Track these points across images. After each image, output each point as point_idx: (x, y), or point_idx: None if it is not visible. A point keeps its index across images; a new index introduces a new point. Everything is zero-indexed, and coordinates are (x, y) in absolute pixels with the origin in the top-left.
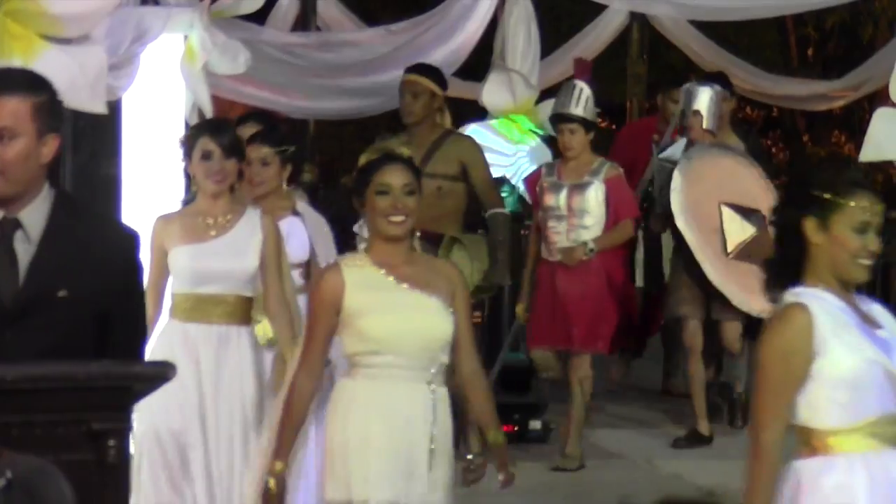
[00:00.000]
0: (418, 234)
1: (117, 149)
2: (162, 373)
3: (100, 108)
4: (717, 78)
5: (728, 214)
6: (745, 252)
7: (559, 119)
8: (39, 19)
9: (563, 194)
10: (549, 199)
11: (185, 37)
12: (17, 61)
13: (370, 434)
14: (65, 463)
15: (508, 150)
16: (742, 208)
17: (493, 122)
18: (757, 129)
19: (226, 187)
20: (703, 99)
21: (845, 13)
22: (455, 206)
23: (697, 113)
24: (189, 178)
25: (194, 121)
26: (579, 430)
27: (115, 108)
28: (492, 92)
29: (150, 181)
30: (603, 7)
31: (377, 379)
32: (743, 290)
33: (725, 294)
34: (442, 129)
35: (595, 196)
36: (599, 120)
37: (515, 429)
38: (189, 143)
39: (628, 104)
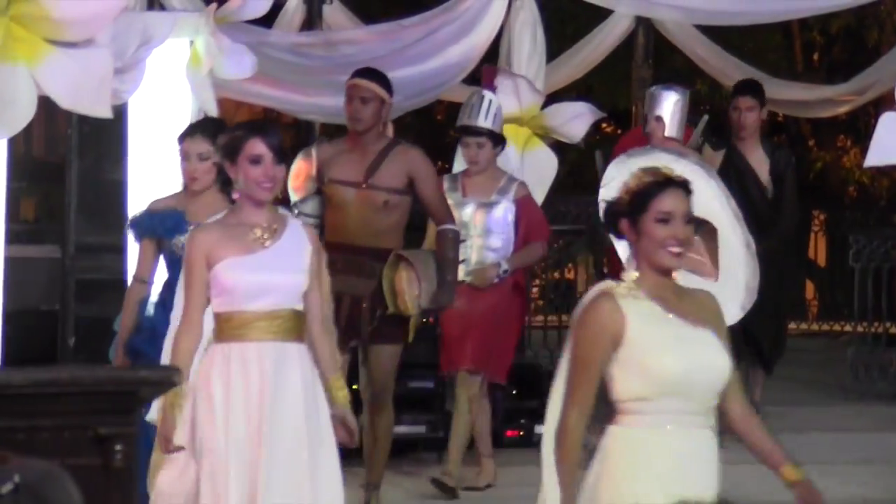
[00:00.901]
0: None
1: (123, 154)
2: (168, 377)
3: (105, 112)
4: (749, 87)
5: None
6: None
7: (465, 132)
8: (44, 23)
9: (469, 211)
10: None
11: (191, 41)
12: (21, 65)
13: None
14: (71, 467)
15: (515, 155)
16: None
17: None
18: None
19: (274, 195)
20: (668, 104)
21: (851, 17)
22: (399, 222)
23: (660, 119)
24: (225, 180)
25: None
26: (461, 449)
27: (120, 112)
28: (498, 96)
29: (156, 186)
30: (608, 11)
31: (661, 427)
32: None
33: None
34: (387, 138)
35: (504, 216)
36: (604, 125)
37: (521, 433)
38: (234, 145)
39: (633, 108)
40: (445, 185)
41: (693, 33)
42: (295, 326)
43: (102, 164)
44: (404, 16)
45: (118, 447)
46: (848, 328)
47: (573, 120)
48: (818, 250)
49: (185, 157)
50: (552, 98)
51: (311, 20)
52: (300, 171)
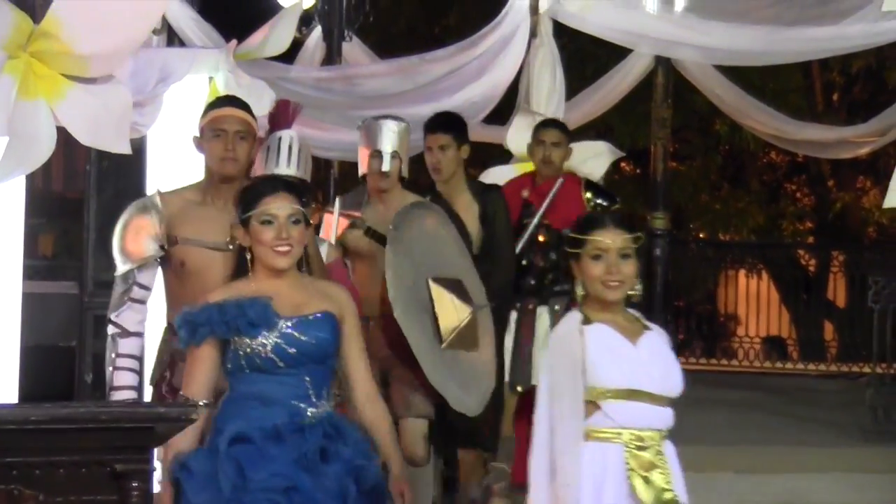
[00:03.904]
0: None
1: (142, 189)
2: (185, 413)
3: (124, 148)
4: (441, 123)
5: (437, 293)
6: (458, 340)
7: None
8: (65, 59)
9: None
10: None
11: (210, 78)
12: (41, 101)
13: None
14: None
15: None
16: (451, 282)
17: (517, 164)
18: (781, 173)
19: None
20: (388, 136)
21: (871, 58)
22: None
23: (396, 155)
24: None
25: None
26: None
27: (139, 148)
28: (516, 135)
29: None
30: (628, 51)
31: None
32: (461, 386)
33: (443, 394)
34: None
35: None
36: (624, 164)
37: None
38: None
39: (652, 148)
40: None
41: (712, 73)
42: None
43: (121, 200)
44: (424, 52)
45: (135, 483)
46: (867, 369)
47: (592, 159)
48: (837, 291)
49: (271, 218)
50: (571, 137)
51: (331, 57)
52: (140, 228)
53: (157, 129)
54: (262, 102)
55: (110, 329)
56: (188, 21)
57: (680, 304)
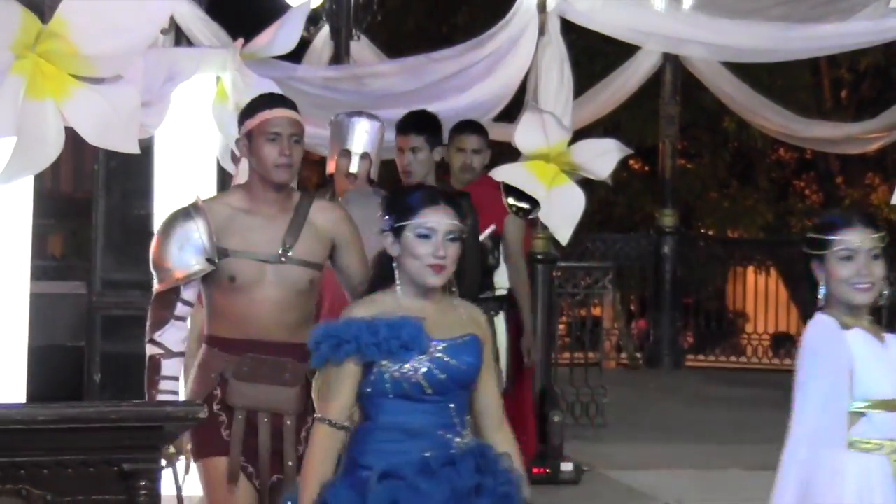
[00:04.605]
0: None
1: (150, 189)
2: (192, 412)
3: (132, 148)
4: (414, 123)
5: None
6: None
7: None
8: (73, 59)
9: None
10: None
11: (217, 77)
12: (49, 101)
13: None
14: None
15: (542, 191)
16: None
17: (526, 163)
18: (790, 170)
19: None
20: (360, 136)
21: (880, 55)
22: (314, 308)
23: (366, 156)
24: None
25: (227, 162)
26: None
27: (147, 148)
28: (524, 133)
29: None
30: (636, 48)
31: None
32: None
33: None
34: (297, 192)
35: None
36: (632, 161)
37: (546, 471)
38: None
39: (661, 145)
40: None
41: (721, 71)
42: None
43: (129, 200)
44: (432, 51)
45: (142, 483)
46: None
47: (601, 156)
48: None
49: (429, 232)
50: (580, 134)
51: (339, 56)
52: (185, 241)
53: (164, 128)
54: None
55: (151, 349)
56: (196, 21)
57: (688, 301)
